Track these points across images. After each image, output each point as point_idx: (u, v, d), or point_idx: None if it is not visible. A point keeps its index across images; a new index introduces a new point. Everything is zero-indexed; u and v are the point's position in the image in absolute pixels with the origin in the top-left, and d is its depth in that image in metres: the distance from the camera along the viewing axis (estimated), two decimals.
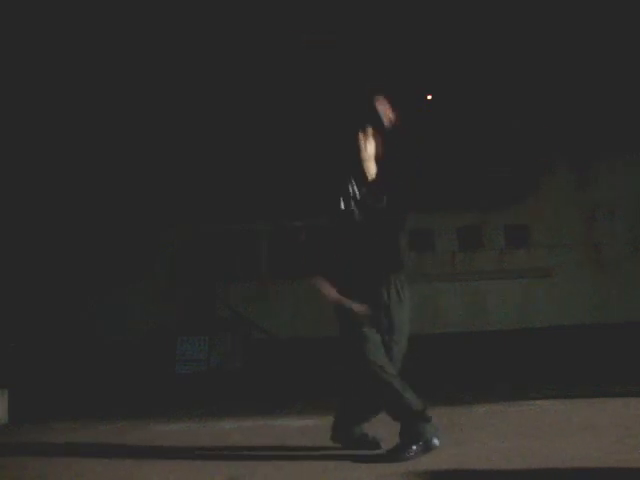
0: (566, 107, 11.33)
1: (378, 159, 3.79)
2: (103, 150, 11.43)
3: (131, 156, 11.43)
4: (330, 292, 3.60)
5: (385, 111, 3.70)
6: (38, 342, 10.36)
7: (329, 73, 9.88)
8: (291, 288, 11.31)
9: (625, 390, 5.64)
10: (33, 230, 11.14)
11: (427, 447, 3.41)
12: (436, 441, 3.40)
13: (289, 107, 10.84)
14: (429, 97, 11.68)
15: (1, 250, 10.36)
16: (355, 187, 3.69)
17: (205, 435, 4.67)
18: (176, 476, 3.34)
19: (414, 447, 3.41)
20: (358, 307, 3.53)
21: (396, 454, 3.44)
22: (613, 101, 11.12)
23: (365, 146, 3.75)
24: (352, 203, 3.66)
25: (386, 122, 3.69)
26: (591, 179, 12.05)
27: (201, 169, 11.59)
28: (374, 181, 3.74)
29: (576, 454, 3.27)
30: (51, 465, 3.77)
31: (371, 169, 3.77)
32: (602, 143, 11.48)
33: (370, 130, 3.77)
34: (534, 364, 9.08)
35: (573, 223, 11.92)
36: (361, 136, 3.75)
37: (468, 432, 4.12)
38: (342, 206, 3.65)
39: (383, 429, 3.75)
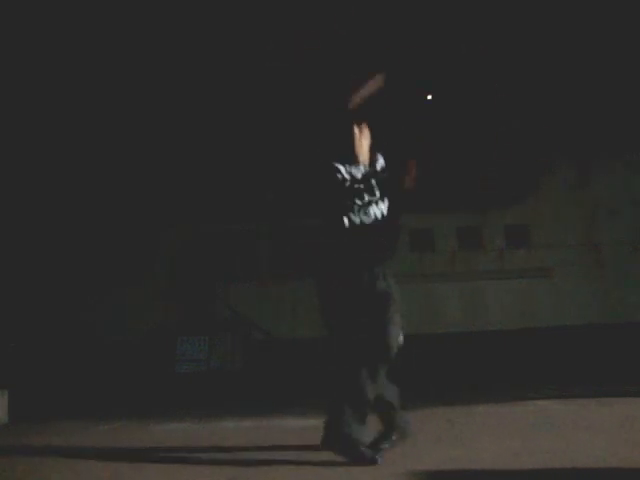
0: (566, 107, 11.33)
1: (371, 154, 3.83)
2: (103, 151, 11.43)
3: (131, 157, 11.43)
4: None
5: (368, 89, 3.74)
6: (38, 342, 10.37)
7: (327, 72, 9.88)
8: (291, 288, 11.31)
9: (625, 390, 5.64)
10: (33, 230, 11.13)
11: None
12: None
13: (288, 107, 10.83)
14: (429, 97, 11.67)
15: (1, 251, 10.36)
16: (347, 170, 3.71)
17: (205, 435, 4.67)
18: (176, 476, 3.34)
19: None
20: None
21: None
22: (613, 102, 11.11)
23: (360, 141, 3.77)
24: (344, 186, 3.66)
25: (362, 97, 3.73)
26: (591, 179, 12.04)
27: (201, 169, 11.59)
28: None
29: (576, 454, 3.27)
30: (51, 465, 3.76)
31: (365, 159, 3.81)
32: (602, 143, 11.48)
33: (365, 125, 3.80)
34: (534, 364, 9.09)
35: (573, 223, 11.92)
36: (357, 132, 3.77)
37: (468, 432, 4.12)
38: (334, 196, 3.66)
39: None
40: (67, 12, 9.58)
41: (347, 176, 3.69)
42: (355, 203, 3.64)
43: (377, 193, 3.69)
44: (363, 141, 3.79)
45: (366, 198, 3.67)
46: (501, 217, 11.97)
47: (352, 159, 3.76)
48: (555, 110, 11.41)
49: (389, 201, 3.71)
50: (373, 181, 3.71)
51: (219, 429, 4.93)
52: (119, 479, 3.37)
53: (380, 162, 3.81)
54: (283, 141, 10.91)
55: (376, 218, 3.64)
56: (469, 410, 5.16)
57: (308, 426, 4.69)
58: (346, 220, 3.61)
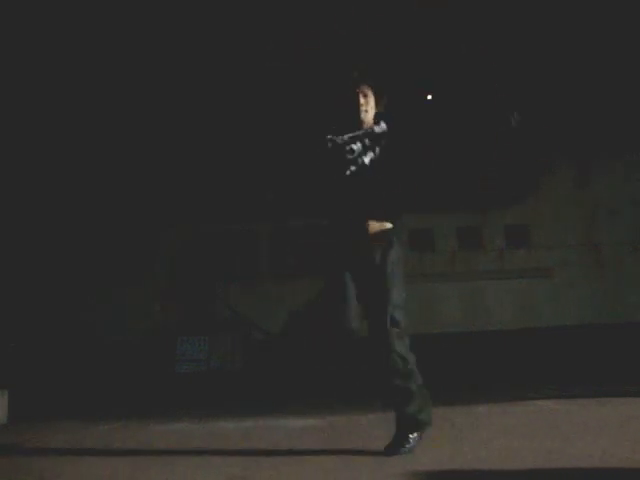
0: (566, 107, 11.33)
1: (376, 119, 3.79)
2: (103, 150, 11.43)
3: (131, 156, 11.43)
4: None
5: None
6: (38, 342, 10.37)
7: (326, 71, 9.88)
8: (291, 288, 11.30)
9: (625, 390, 5.64)
10: (33, 230, 11.13)
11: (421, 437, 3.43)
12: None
13: (288, 106, 10.83)
14: (429, 97, 11.67)
15: (1, 250, 10.36)
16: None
17: (205, 435, 4.67)
18: (176, 476, 3.34)
19: (412, 437, 3.42)
20: None
21: (396, 448, 3.43)
22: (613, 101, 11.11)
23: (366, 109, 3.73)
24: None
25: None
26: (591, 179, 12.05)
27: (201, 169, 11.59)
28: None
29: (576, 454, 3.27)
30: (51, 465, 3.77)
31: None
32: (602, 143, 11.48)
33: (369, 91, 3.75)
34: (534, 364, 9.09)
35: (573, 223, 11.92)
36: (361, 98, 3.72)
37: (468, 432, 4.12)
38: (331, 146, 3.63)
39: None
40: (67, 12, 9.58)
41: (340, 140, 3.66)
42: (347, 158, 3.59)
43: (368, 146, 3.63)
44: (369, 110, 3.74)
45: (357, 150, 3.61)
46: (501, 217, 11.98)
47: (356, 127, 3.72)
48: (555, 110, 11.41)
49: (388, 158, 3.64)
50: (367, 140, 3.66)
51: (219, 429, 4.93)
52: (119, 479, 3.38)
53: (381, 126, 3.73)
54: (283, 141, 10.91)
55: (365, 166, 3.59)
56: (469, 410, 5.16)
57: (308, 426, 4.70)
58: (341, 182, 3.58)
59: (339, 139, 3.62)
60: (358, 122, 3.71)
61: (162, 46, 10.34)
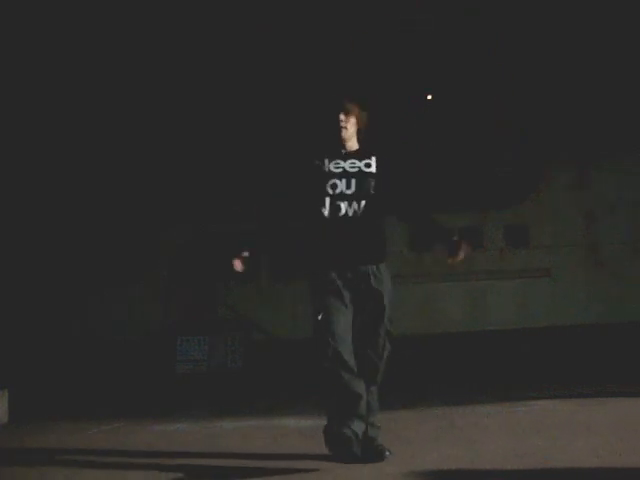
0: (566, 107, 11.33)
1: (360, 135, 3.74)
2: (103, 150, 11.43)
3: (131, 156, 11.42)
4: None
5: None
6: (38, 342, 10.37)
7: (326, 69, 9.89)
8: (291, 288, 11.29)
9: (625, 390, 5.64)
10: (33, 230, 11.13)
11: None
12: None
13: (287, 107, 10.83)
14: (429, 97, 11.68)
15: (1, 250, 10.35)
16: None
17: (204, 435, 4.68)
18: (175, 476, 3.34)
19: None
20: None
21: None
22: (613, 101, 11.11)
23: (346, 125, 3.65)
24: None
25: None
26: (591, 179, 12.03)
27: (201, 169, 11.58)
28: (356, 152, 3.71)
29: (576, 454, 3.27)
30: (51, 465, 3.77)
31: (353, 146, 3.72)
32: (602, 143, 11.47)
33: (350, 107, 3.69)
34: (534, 364, 9.09)
35: (573, 223, 11.90)
36: (342, 116, 3.64)
37: (467, 432, 4.12)
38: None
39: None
40: (66, 11, 9.58)
41: (327, 168, 3.59)
42: (328, 193, 3.54)
43: (353, 190, 3.56)
44: (349, 127, 3.67)
45: (338, 190, 3.55)
46: (501, 217, 11.97)
47: (338, 149, 3.66)
48: (555, 110, 11.41)
49: (372, 202, 3.58)
50: (353, 180, 3.58)
51: (219, 429, 4.93)
52: (119, 479, 3.38)
53: (372, 161, 3.66)
54: (284, 142, 10.91)
55: (346, 214, 3.53)
56: (469, 410, 5.16)
57: (307, 426, 4.70)
58: (325, 211, 3.54)
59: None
60: (339, 140, 3.66)
61: (164, 47, 10.35)
